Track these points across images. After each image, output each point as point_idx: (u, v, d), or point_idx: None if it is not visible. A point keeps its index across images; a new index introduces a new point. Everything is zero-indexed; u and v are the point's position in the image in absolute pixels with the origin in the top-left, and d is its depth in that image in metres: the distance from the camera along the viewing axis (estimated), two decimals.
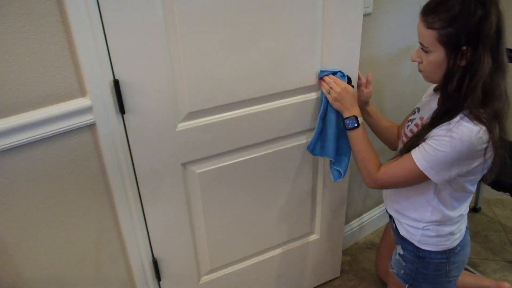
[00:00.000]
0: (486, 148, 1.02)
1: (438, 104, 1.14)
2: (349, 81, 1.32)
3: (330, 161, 1.40)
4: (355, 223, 2.01)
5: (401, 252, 1.31)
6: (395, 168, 1.15)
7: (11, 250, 1.09)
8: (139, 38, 1.03)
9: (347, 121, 1.25)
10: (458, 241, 1.23)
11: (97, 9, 0.96)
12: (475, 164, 1.06)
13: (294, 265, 1.71)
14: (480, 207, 2.24)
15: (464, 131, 1.00)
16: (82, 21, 0.95)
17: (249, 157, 1.35)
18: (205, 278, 1.52)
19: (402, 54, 1.70)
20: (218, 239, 1.45)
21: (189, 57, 1.11)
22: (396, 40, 1.66)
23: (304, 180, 1.51)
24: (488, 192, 2.20)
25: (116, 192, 1.18)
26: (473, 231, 2.08)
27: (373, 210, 2.09)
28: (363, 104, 1.40)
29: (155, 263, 1.36)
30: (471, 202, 2.23)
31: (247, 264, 1.58)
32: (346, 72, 1.31)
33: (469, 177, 1.11)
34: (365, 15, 1.49)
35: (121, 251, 1.29)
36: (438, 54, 1.03)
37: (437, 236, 1.21)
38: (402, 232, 1.28)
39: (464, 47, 0.99)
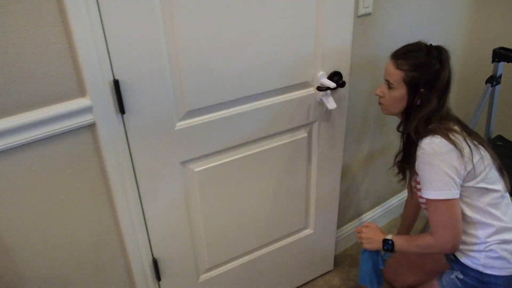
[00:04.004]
0: (454, 149, 1.14)
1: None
2: (341, 77, 1.38)
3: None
4: (355, 223, 2.01)
5: (461, 277, 1.27)
6: (433, 218, 1.20)
7: (11, 250, 1.09)
8: (139, 38, 1.03)
9: (385, 247, 1.33)
10: None
11: (97, 8, 0.96)
12: (469, 166, 1.16)
13: (290, 260, 1.72)
14: None
15: (424, 146, 1.18)
16: (82, 21, 0.95)
17: (245, 154, 1.36)
18: (203, 277, 1.52)
19: None
20: (216, 236, 1.46)
21: (187, 56, 1.11)
22: (396, 40, 1.65)
23: (299, 175, 1.53)
24: None
25: (116, 192, 1.18)
26: None
27: (374, 210, 2.09)
28: None
29: (155, 263, 1.36)
30: None
31: (244, 261, 1.59)
32: (338, 70, 1.39)
33: (475, 178, 1.18)
34: (365, 15, 1.50)
35: (121, 251, 1.29)
36: (400, 91, 1.24)
37: (502, 257, 1.19)
38: (464, 260, 1.25)
39: (422, 89, 1.20)
